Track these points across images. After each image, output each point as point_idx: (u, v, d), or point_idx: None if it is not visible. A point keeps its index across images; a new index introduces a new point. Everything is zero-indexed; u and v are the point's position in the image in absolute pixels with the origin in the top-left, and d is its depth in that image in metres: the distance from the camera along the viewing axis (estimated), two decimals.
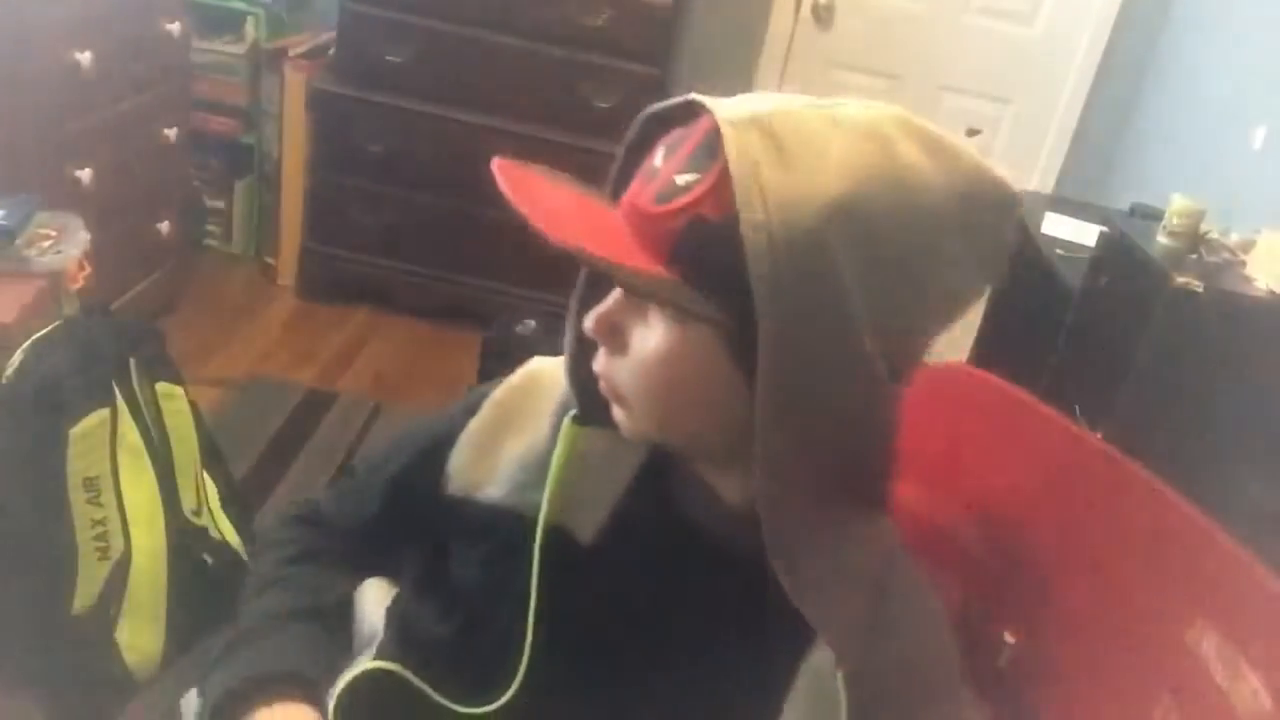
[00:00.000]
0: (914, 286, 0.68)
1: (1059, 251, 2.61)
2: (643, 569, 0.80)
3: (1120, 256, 2.25)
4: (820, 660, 0.73)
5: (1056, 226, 2.79)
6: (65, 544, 1.62)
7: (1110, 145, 3.47)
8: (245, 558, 1.90)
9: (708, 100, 0.69)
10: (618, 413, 0.75)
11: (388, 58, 2.98)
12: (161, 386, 1.77)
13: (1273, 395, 1.96)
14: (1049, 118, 3.50)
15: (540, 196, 0.71)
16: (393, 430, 2.58)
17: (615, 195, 0.76)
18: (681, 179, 0.67)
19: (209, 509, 1.87)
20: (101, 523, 1.63)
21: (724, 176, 0.64)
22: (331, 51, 3.14)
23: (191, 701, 0.91)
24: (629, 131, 0.77)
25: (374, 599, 0.94)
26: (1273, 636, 0.75)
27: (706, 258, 0.66)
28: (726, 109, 0.67)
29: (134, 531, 1.65)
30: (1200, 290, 1.96)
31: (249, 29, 3.15)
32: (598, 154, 3.00)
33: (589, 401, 0.79)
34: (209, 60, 3.12)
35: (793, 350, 0.63)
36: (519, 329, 2.61)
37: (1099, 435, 1.79)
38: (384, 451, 0.96)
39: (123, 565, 1.65)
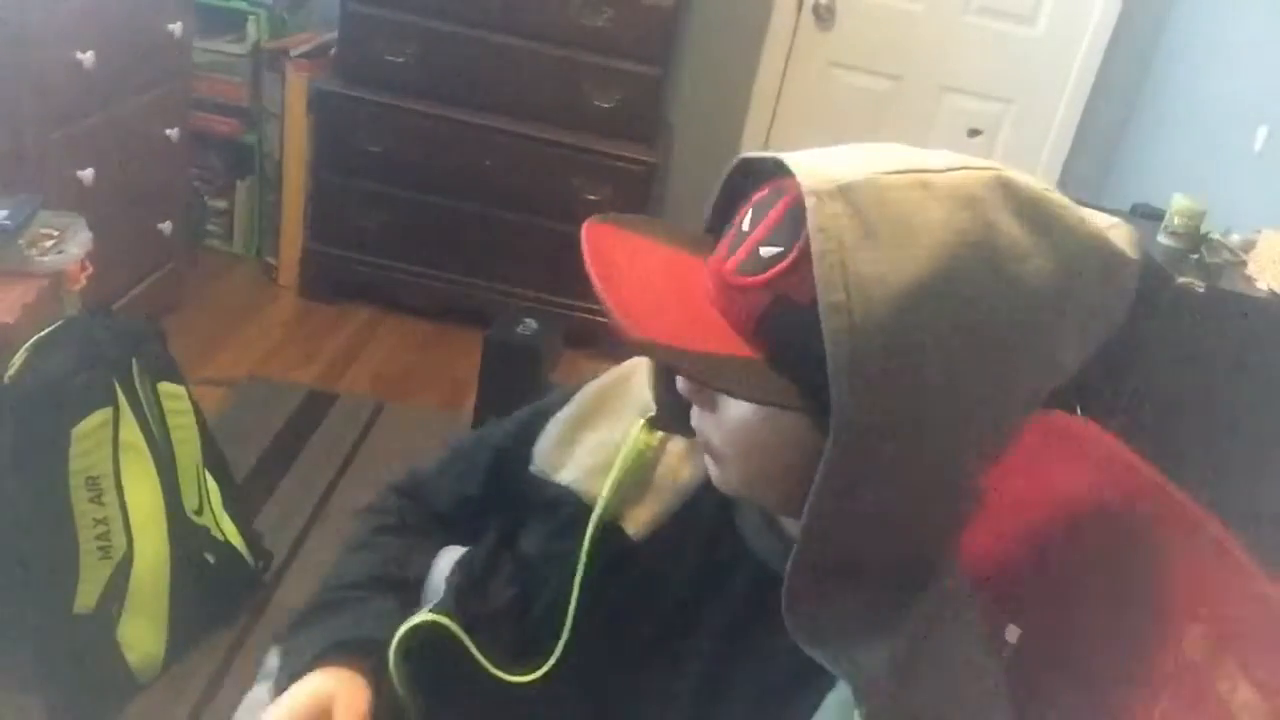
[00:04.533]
0: (1007, 371, 0.64)
1: None
2: (685, 574, 0.81)
3: None
4: (847, 695, 0.70)
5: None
6: (67, 543, 1.62)
7: (1111, 145, 3.47)
8: (247, 557, 1.90)
9: (794, 162, 0.64)
10: (710, 464, 0.75)
11: (388, 58, 2.98)
12: (163, 386, 1.77)
13: (1273, 395, 1.96)
14: (1049, 118, 3.51)
15: (625, 266, 0.68)
16: (394, 430, 2.59)
17: (711, 230, 0.75)
18: (766, 251, 0.64)
19: (211, 508, 1.87)
20: (103, 522, 1.63)
21: (808, 252, 0.61)
22: (332, 51, 3.14)
23: (273, 657, 0.95)
24: (727, 170, 0.74)
25: (446, 565, 0.97)
26: (1270, 640, 0.75)
27: (789, 339, 0.63)
28: (813, 175, 0.62)
29: (136, 531, 1.66)
30: (1201, 290, 1.96)
31: (250, 29, 3.15)
32: (598, 154, 3.00)
33: (668, 409, 0.79)
34: (210, 60, 3.12)
35: (863, 440, 0.61)
36: (519, 329, 2.62)
37: None
38: (489, 430, 0.99)
39: (124, 565, 1.65)
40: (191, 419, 1.83)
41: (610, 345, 3.16)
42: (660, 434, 0.83)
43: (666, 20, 3.00)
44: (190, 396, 1.84)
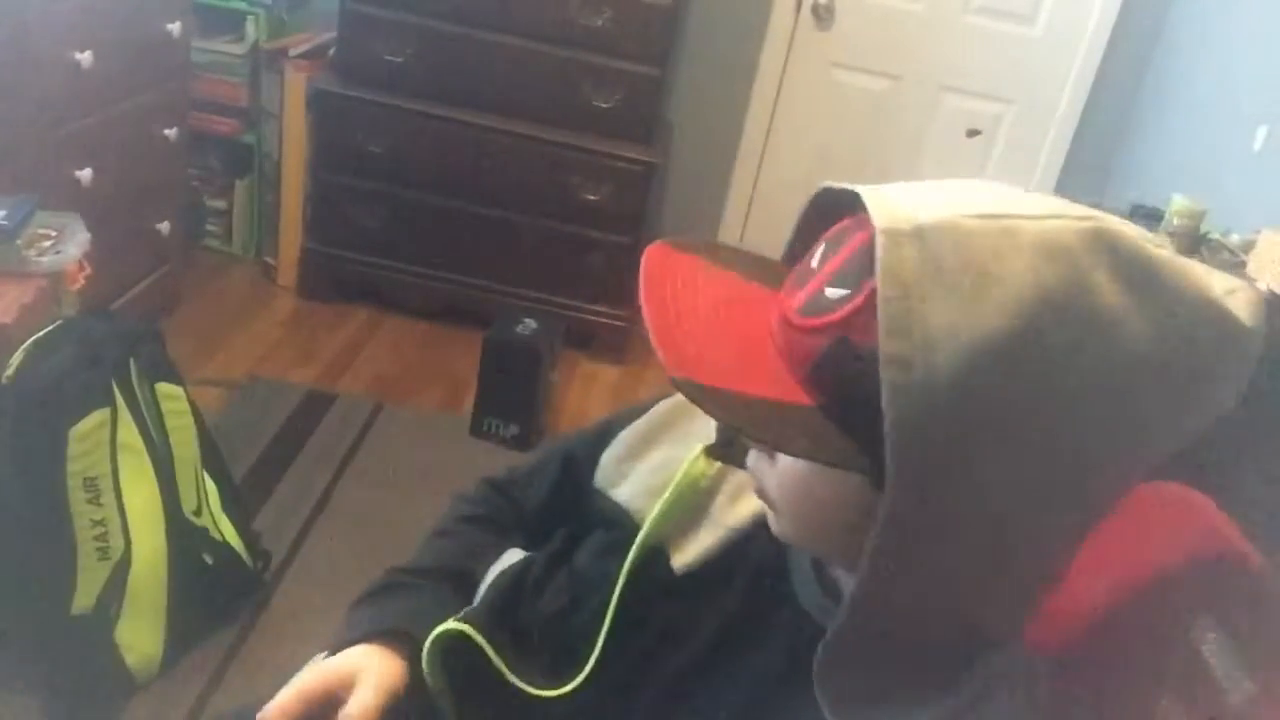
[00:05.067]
0: (1091, 443, 0.57)
1: None
2: (726, 612, 0.79)
3: None
4: None
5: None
6: (65, 544, 1.62)
7: (1110, 145, 3.47)
8: (245, 557, 1.90)
9: (871, 197, 0.58)
10: (769, 515, 0.72)
11: (388, 57, 2.98)
12: (161, 387, 1.77)
13: (1273, 396, 1.96)
14: (1049, 118, 3.50)
15: (685, 295, 0.64)
16: (393, 430, 2.58)
17: (788, 261, 0.70)
18: (832, 292, 0.59)
19: (209, 509, 1.87)
20: (101, 523, 1.63)
21: (875, 296, 0.56)
22: (332, 51, 3.14)
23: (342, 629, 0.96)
24: (811, 197, 0.69)
25: (500, 565, 0.96)
26: (1272, 639, 0.75)
27: (848, 388, 0.58)
28: (889, 213, 0.56)
29: (134, 532, 1.65)
30: None
31: (249, 29, 3.15)
32: (597, 154, 3.00)
33: (728, 440, 0.77)
34: (209, 60, 3.11)
35: (922, 506, 0.56)
36: (519, 329, 2.61)
37: None
38: (571, 436, 0.99)
39: (123, 565, 1.65)
40: (190, 419, 1.83)
41: (610, 349, 3.17)
42: (718, 464, 0.80)
43: (666, 20, 3.00)
44: (188, 397, 1.84)
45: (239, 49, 3.15)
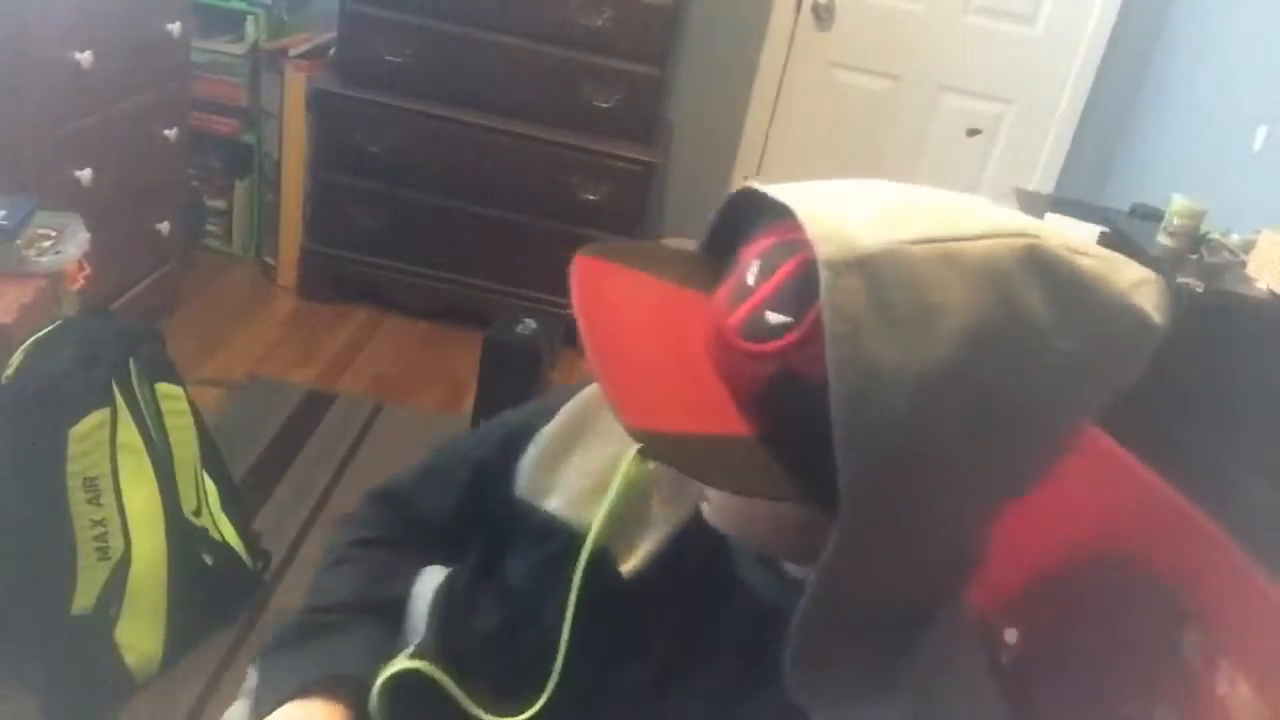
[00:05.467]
0: (1023, 448, 0.62)
1: None
2: (679, 609, 0.79)
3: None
4: None
5: (1056, 227, 2.78)
6: (65, 544, 1.62)
7: (1110, 145, 3.47)
8: (245, 557, 1.90)
9: (808, 217, 0.58)
10: (705, 506, 0.73)
11: (388, 58, 2.98)
12: (161, 387, 1.77)
13: (1272, 395, 1.96)
14: (1049, 118, 3.50)
15: (618, 313, 0.64)
16: (393, 430, 2.58)
17: (709, 250, 0.71)
18: (774, 318, 0.60)
19: (209, 509, 1.87)
20: (101, 523, 1.63)
21: (819, 327, 0.57)
22: (331, 51, 3.14)
23: (252, 676, 0.93)
24: (731, 194, 0.69)
25: (428, 588, 0.94)
26: (1270, 642, 0.75)
27: (791, 415, 0.59)
28: (829, 239, 0.57)
29: (134, 532, 1.65)
30: (1200, 290, 1.96)
31: (249, 29, 3.15)
32: (597, 154, 3.00)
33: None
34: (209, 60, 3.11)
35: (869, 527, 0.59)
36: (519, 329, 2.61)
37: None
38: (469, 438, 0.96)
39: (122, 565, 1.65)
40: (189, 419, 1.83)
41: None
42: (652, 463, 0.79)
43: (666, 20, 3.00)
44: (188, 397, 1.84)
45: (239, 49, 3.15)
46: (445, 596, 0.91)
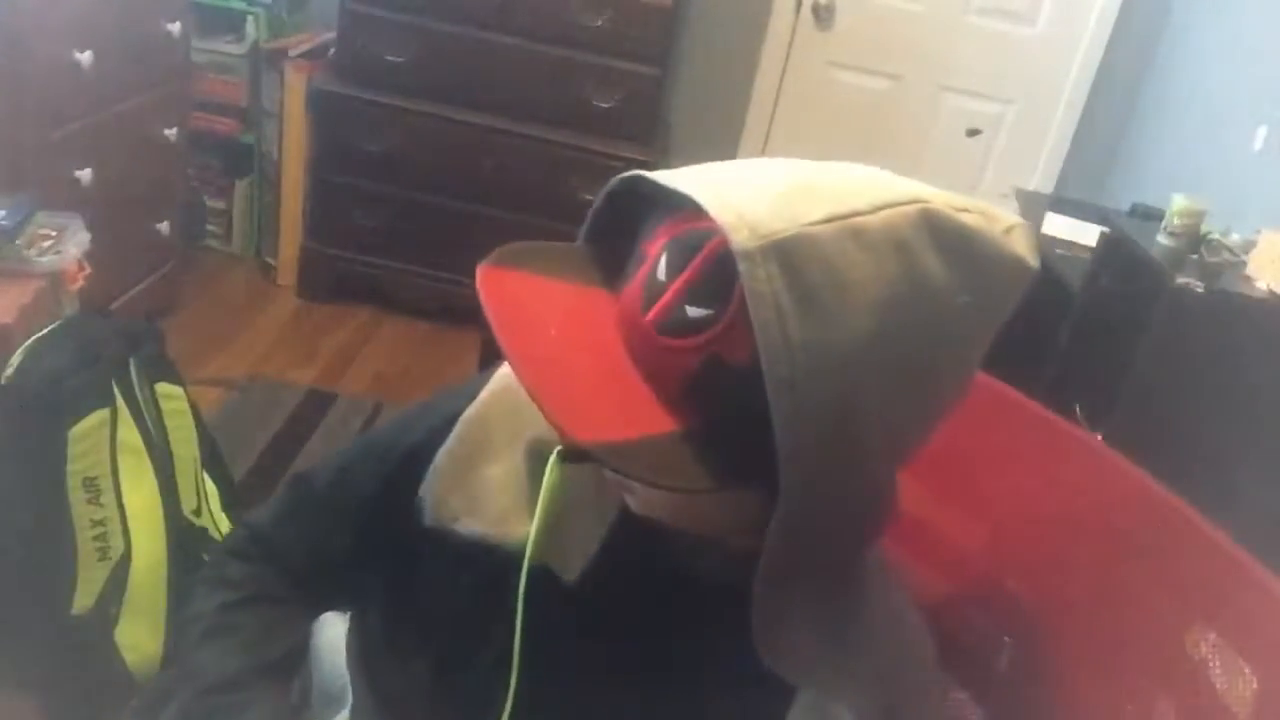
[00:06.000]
0: (936, 398, 0.66)
1: (1059, 251, 2.61)
2: (628, 607, 0.77)
3: (1120, 256, 2.24)
4: (810, 697, 0.72)
5: (1056, 226, 2.79)
6: (65, 544, 1.61)
7: (1110, 145, 3.47)
8: None
9: (715, 209, 0.59)
10: (629, 499, 0.73)
11: (388, 58, 2.98)
12: (161, 387, 1.77)
13: (1273, 395, 1.96)
14: (1049, 118, 3.50)
15: (535, 329, 0.64)
16: None
17: (588, 239, 0.73)
18: (693, 311, 0.60)
19: (209, 509, 1.86)
20: (101, 523, 1.62)
21: (741, 315, 0.58)
22: (331, 51, 3.14)
23: None
24: (611, 184, 0.71)
25: (332, 636, 0.89)
26: (1271, 639, 0.75)
27: (726, 406, 0.61)
28: (739, 228, 0.58)
29: (134, 532, 1.65)
30: (1200, 290, 1.96)
31: (249, 29, 3.15)
32: (598, 154, 3.00)
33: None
34: (209, 60, 3.11)
35: (811, 498, 0.61)
36: None
37: (1099, 436, 1.79)
38: (341, 468, 0.90)
39: (122, 566, 1.65)
40: (190, 419, 1.83)
41: None
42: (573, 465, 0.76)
43: (666, 20, 3.00)
44: (188, 397, 1.84)
45: (239, 49, 3.15)
46: (360, 645, 0.87)
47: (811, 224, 0.59)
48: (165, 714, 0.83)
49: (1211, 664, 0.76)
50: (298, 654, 0.89)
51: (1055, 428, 0.97)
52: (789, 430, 0.58)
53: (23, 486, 1.60)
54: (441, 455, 0.81)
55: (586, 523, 0.78)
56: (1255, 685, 0.73)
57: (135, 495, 1.66)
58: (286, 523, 0.91)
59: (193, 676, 0.84)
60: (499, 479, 0.80)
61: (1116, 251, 2.26)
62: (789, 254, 0.58)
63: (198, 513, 1.83)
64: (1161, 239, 2.22)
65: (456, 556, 0.80)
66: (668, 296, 0.62)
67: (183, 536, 1.75)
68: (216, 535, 1.85)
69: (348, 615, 0.91)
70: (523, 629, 0.75)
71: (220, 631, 0.86)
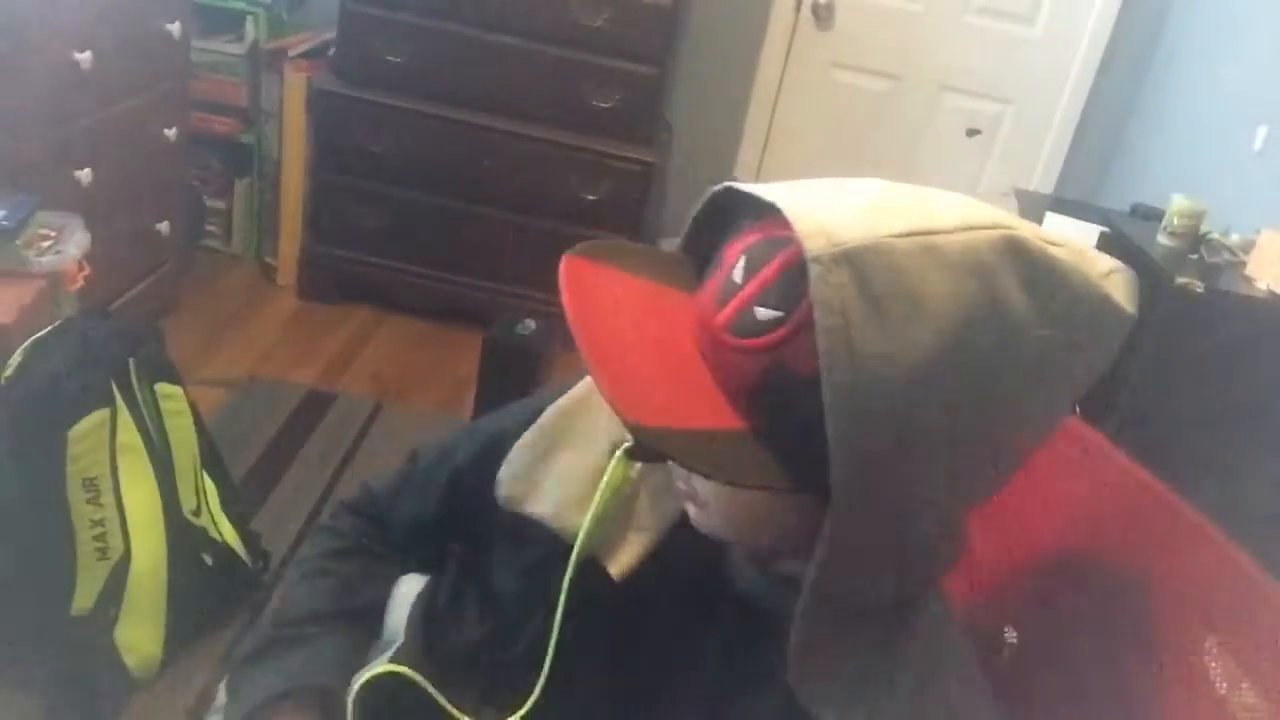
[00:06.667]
0: (1004, 435, 0.64)
1: None
2: (668, 613, 0.79)
3: (1120, 256, 2.24)
4: None
5: (1056, 226, 2.78)
6: (65, 544, 1.62)
7: (1110, 145, 3.47)
8: (244, 557, 1.90)
9: (793, 214, 0.60)
10: (692, 509, 0.73)
11: (388, 58, 2.98)
12: (161, 387, 1.77)
13: (1273, 395, 1.96)
14: (1049, 118, 3.50)
15: (608, 312, 0.65)
16: (393, 430, 2.58)
17: (686, 250, 0.72)
18: (763, 314, 0.61)
19: (209, 509, 1.87)
20: (101, 523, 1.63)
21: (809, 321, 0.58)
22: (331, 51, 3.14)
23: (222, 693, 0.91)
24: (712, 191, 0.71)
25: (407, 595, 0.94)
26: (1273, 642, 0.75)
27: (783, 409, 0.61)
28: (814, 235, 0.58)
29: (133, 532, 1.65)
30: (1200, 290, 1.96)
31: (249, 29, 3.15)
32: (597, 154, 3.00)
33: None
34: (209, 60, 3.11)
35: (861, 515, 0.61)
36: (519, 329, 2.61)
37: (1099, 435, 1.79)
38: (445, 446, 0.95)
39: (122, 566, 1.65)
40: (189, 419, 1.83)
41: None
42: (638, 465, 0.79)
43: (666, 20, 3.00)
44: (188, 397, 1.84)
45: (239, 49, 3.15)
46: (426, 604, 0.90)
47: (887, 236, 0.58)
48: (250, 637, 0.90)
49: (1214, 669, 0.76)
50: (379, 608, 0.94)
51: (1062, 432, 0.97)
52: (843, 440, 0.57)
53: (23, 486, 1.60)
54: (523, 438, 0.85)
55: (643, 524, 0.79)
56: (1260, 693, 0.73)
57: (135, 495, 1.66)
58: (395, 489, 0.97)
59: (285, 607, 0.91)
60: (569, 471, 0.82)
61: (1116, 251, 2.25)
62: (861, 263, 0.57)
63: (197, 513, 1.83)
64: (1161, 239, 2.22)
65: (520, 538, 0.83)
66: (740, 297, 0.62)
67: (182, 536, 1.75)
68: (216, 535, 1.85)
69: (425, 579, 0.96)
70: (564, 613, 0.77)
71: (318, 574, 0.94)
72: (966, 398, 0.59)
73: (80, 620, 1.64)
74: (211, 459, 1.91)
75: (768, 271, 0.61)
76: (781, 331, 0.60)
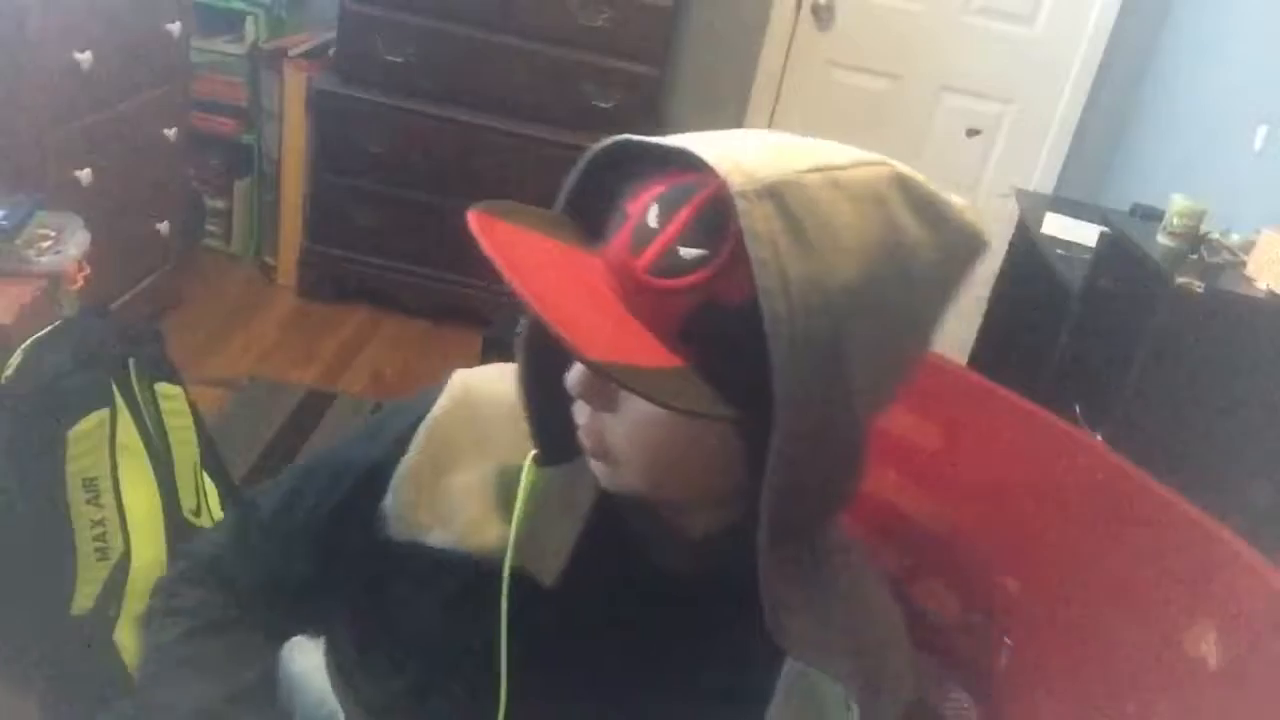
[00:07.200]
0: (906, 354, 0.69)
1: (1059, 251, 2.61)
2: (608, 605, 0.77)
3: (1120, 256, 2.24)
4: (796, 668, 0.74)
5: (1056, 226, 2.79)
6: (64, 545, 1.61)
7: (1110, 145, 3.47)
8: None
9: (710, 156, 0.62)
10: (598, 466, 0.72)
11: (388, 57, 2.98)
12: (161, 387, 1.77)
13: (1273, 395, 1.96)
14: (1049, 118, 3.50)
15: (535, 266, 0.65)
16: None
17: (568, 210, 0.73)
18: (687, 253, 0.62)
19: (209, 510, 1.86)
20: (101, 523, 1.62)
21: (736, 255, 0.60)
22: (331, 51, 3.14)
23: None
24: (594, 150, 0.73)
25: (309, 664, 0.86)
26: (1273, 636, 0.75)
27: (716, 342, 0.62)
28: (735, 172, 0.60)
29: (133, 532, 1.65)
30: (1200, 290, 1.96)
31: (249, 29, 3.15)
32: None
33: (548, 440, 0.76)
34: (209, 60, 3.12)
35: (805, 436, 0.63)
36: (519, 329, 2.61)
37: (1099, 436, 1.79)
38: (289, 496, 0.87)
39: (122, 566, 1.64)
40: (189, 420, 1.83)
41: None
42: (546, 469, 0.77)
43: (666, 20, 3.00)
44: (188, 397, 1.84)
45: (238, 48, 3.15)
46: (338, 666, 0.84)
47: (800, 171, 0.62)
48: None
49: (1213, 663, 0.76)
50: (270, 680, 0.85)
51: (1053, 427, 0.97)
52: (785, 364, 0.60)
53: (22, 486, 1.60)
54: (404, 467, 0.80)
55: (560, 524, 0.77)
56: (1258, 687, 0.73)
57: (135, 496, 1.66)
58: (238, 549, 0.89)
59: (163, 712, 0.80)
60: (466, 488, 0.79)
61: (1116, 251, 2.26)
62: (783, 196, 0.60)
63: (197, 513, 1.82)
64: (1161, 239, 2.21)
65: (428, 569, 0.79)
66: (661, 239, 0.63)
67: (182, 537, 1.75)
68: None
69: (321, 639, 0.88)
70: (508, 634, 0.75)
71: (184, 663, 0.83)
72: (882, 320, 0.63)
73: (80, 620, 1.64)
74: (211, 459, 1.90)
75: (685, 213, 0.63)
76: (709, 268, 0.62)
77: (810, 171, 0.62)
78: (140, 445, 1.67)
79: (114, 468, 1.63)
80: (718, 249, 0.61)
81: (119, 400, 1.64)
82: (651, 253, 0.63)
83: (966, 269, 0.70)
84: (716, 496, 0.73)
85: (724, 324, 0.62)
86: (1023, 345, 2.77)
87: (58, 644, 1.64)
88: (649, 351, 0.63)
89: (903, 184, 0.65)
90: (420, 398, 0.85)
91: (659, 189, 0.65)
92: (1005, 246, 3.04)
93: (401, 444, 0.81)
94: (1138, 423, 2.02)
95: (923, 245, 0.65)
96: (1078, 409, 2.09)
